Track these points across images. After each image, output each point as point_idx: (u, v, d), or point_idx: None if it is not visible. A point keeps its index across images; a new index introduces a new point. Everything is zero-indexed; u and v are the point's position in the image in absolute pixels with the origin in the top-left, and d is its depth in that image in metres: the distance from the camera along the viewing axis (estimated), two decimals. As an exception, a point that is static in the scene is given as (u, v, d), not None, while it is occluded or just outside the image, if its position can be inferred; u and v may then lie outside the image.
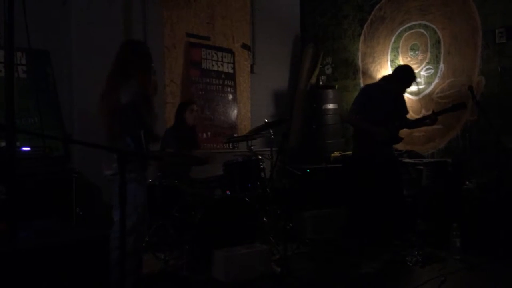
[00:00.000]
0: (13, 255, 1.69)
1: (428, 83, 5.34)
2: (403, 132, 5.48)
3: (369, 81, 5.81)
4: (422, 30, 5.43)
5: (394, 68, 4.36)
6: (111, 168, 2.84)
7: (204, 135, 5.61)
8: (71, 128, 4.46)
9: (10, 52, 2.17)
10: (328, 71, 6.58)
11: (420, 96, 5.39)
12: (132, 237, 2.77)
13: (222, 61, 5.88)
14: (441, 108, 4.28)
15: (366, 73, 6.08)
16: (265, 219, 4.07)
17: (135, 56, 2.95)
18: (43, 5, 4.37)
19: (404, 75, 4.22)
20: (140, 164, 2.90)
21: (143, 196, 2.91)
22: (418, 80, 5.15)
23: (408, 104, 4.66)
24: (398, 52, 5.70)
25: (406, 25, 5.60)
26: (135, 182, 2.78)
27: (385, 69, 5.85)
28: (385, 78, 4.43)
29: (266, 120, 4.53)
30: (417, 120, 4.30)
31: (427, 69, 5.36)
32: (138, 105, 2.81)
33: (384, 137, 4.06)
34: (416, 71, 5.46)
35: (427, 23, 5.37)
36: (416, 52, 5.49)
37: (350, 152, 5.16)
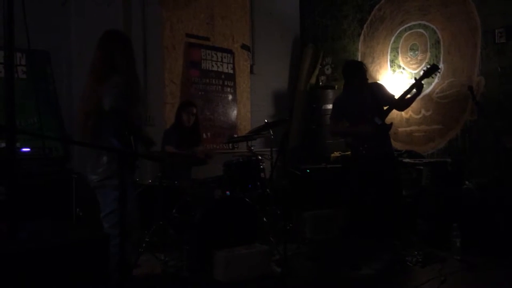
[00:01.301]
0: (12, 256, 1.69)
1: (428, 83, 5.33)
2: (403, 131, 5.51)
3: (369, 81, 5.80)
4: (421, 30, 5.44)
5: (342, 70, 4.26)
6: (97, 173, 2.69)
7: (204, 135, 5.60)
8: (70, 129, 4.46)
9: (10, 53, 2.17)
10: (328, 71, 6.58)
11: (420, 96, 5.37)
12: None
13: (221, 61, 5.89)
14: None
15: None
16: (265, 219, 4.06)
17: (121, 45, 2.75)
18: (43, 5, 4.37)
19: (350, 70, 4.10)
20: (127, 167, 2.68)
21: (130, 202, 2.66)
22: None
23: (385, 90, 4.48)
24: (397, 52, 5.70)
25: (406, 25, 5.60)
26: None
27: (385, 69, 5.85)
28: (344, 85, 4.35)
29: (266, 121, 4.53)
30: (403, 94, 3.92)
31: (426, 69, 5.35)
32: (123, 110, 2.63)
33: (371, 130, 3.96)
34: (415, 71, 5.50)
35: (427, 23, 5.38)
36: (416, 52, 5.50)
37: (349, 152, 5.15)
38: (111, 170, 2.62)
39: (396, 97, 4.00)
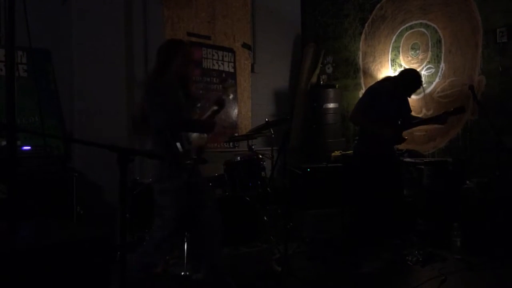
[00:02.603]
0: (13, 255, 1.69)
1: (429, 83, 5.33)
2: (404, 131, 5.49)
3: (370, 81, 5.81)
4: (423, 29, 5.43)
5: (401, 71, 4.28)
6: (150, 175, 2.72)
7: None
8: (71, 127, 4.46)
9: (10, 51, 2.17)
10: (329, 70, 6.58)
11: (421, 95, 5.39)
12: (155, 251, 2.60)
13: (222, 60, 5.88)
14: (451, 109, 4.15)
15: (366, 73, 6.08)
16: (265, 218, 4.07)
17: (173, 53, 2.84)
18: (44, 3, 4.37)
19: (410, 81, 4.11)
20: (175, 167, 2.61)
21: (177, 206, 2.62)
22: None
23: (409, 103, 4.63)
24: (399, 52, 5.69)
25: (407, 24, 5.59)
26: (169, 193, 2.54)
27: (386, 69, 5.84)
28: (389, 79, 4.36)
29: (266, 120, 4.53)
30: (427, 119, 4.24)
31: (428, 69, 5.35)
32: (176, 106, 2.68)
33: (391, 138, 4.03)
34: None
35: (428, 22, 5.37)
36: (417, 52, 5.49)
37: (350, 152, 5.15)
38: (159, 173, 2.60)
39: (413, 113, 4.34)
